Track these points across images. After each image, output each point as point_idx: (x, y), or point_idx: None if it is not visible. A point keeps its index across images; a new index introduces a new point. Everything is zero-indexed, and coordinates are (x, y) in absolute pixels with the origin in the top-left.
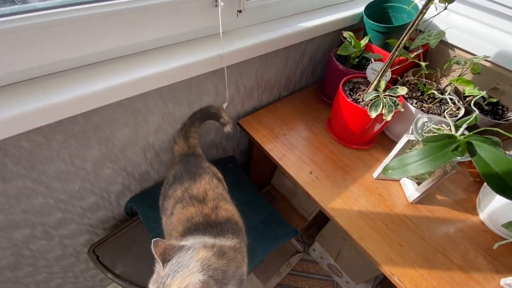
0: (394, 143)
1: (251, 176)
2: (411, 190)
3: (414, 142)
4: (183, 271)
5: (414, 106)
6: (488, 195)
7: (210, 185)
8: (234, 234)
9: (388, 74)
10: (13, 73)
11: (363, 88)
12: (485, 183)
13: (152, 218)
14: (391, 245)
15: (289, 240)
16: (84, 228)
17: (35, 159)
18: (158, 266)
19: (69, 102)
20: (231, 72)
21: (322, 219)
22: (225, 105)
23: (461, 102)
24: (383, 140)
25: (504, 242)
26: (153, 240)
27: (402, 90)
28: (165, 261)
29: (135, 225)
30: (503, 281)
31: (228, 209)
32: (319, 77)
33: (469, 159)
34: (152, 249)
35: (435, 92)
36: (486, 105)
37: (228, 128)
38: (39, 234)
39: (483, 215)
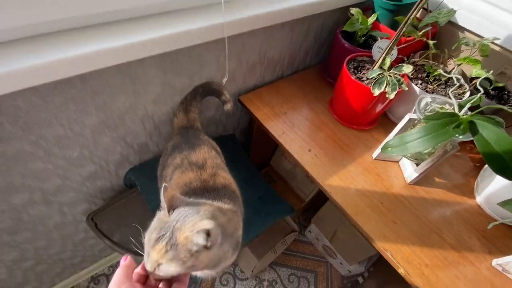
0: (395, 125)
1: (251, 156)
2: (409, 171)
3: (416, 121)
4: (193, 217)
5: (419, 87)
6: (486, 178)
7: (209, 155)
8: (231, 200)
9: (394, 53)
10: (8, 30)
11: (367, 67)
12: (484, 166)
13: (150, 189)
14: (385, 223)
15: (285, 217)
16: (83, 197)
17: (33, 121)
18: (162, 213)
19: (66, 62)
20: (233, 44)
21: (319, 202)
22: (224, 80)
23: (467, 85)
24: (385, 122)
25: (497, 222)
26: (163, 185)
27: (407, 68)
28: (170, 208)
29: (133, 196)
30: (495, 261)
31: (226, 178)
32: (324, 57)
33: (471, 138)
34: (161, 194)
35: (442, 71)
36: (492, 89)
37: (228, 106)
38: (38, 199)
39: (480, 198)
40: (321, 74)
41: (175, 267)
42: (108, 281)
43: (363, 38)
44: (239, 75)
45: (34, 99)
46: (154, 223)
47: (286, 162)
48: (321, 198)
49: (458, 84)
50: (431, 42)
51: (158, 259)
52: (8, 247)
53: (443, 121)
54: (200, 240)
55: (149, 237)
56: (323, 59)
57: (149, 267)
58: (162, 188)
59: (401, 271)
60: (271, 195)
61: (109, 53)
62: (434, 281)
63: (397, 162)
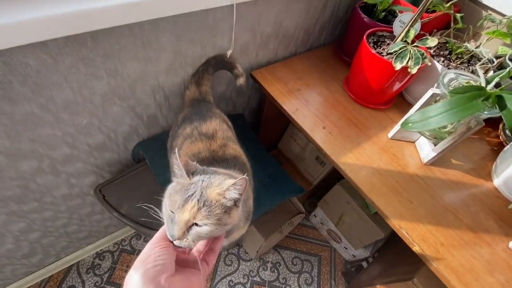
0: (411, 106)
1: (259, 137)
2: (426, 151)
3: (438, 97)
4: (217, 177)
5: (441, 64)
6: (506, 159)
7: (220, 127)
8: (241, 171)
9: (418, 26)
10: None
11: (387, 42)
12: (505, 148)
13: (159, 163)
14: (401, 201)
15: (294, 196)
16: (91, 168)
17: (42, 82)
18: (180, 177)
19: (76, 15)
20: (248, 14)
21: (325, 188)
22: (229, 52)
23: (495, 60)
24: (401, 102)
25: None
26: (176, 151)
27: (432, 41)
28: (188, 173)
29: (141, 170)
30: None
31: (236, 149)
32: (338, 37)
33: (497, 114)
34: (177, 160)
35: (468, 45)
36: None
37: (241, 81)
38: (46, 168)
39: (497, 181)
40: (336, 52)
41: (209, 226)
42: (113, 258)
43: (383, 14)
44: (252, 49)
45: (44, 57)
46: (175, 187)
47: (295, 144)
48: (328, 182)
49: (485, 57)
50: (458, 16)
51: (190, 218)
52: (16, 217)
53: (470, 95)
54: (234, 194)
55: (172, 200)
56: (338, 38)
57: (176, 233)
58: (176, 154)
59: (416, 248)
60: (280, 174)
61: (121, 9)
62: (450, 259)
63: (413, 142)
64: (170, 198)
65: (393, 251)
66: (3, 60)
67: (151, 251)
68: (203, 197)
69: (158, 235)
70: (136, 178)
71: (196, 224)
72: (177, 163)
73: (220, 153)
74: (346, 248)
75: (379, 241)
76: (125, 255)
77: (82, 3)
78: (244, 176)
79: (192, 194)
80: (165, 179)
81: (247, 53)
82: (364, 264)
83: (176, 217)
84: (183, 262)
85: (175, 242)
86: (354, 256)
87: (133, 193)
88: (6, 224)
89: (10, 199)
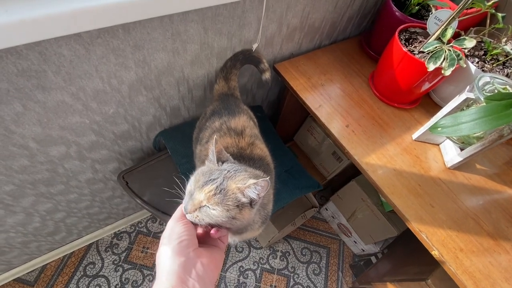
0: (438, 107)
1: (276, 130)
2: (452, 155)
3: (471, 102)
4: (242, 173)
5: (475, 65)
6: None
7: (248, 124)
8: (266, 173)
9: (455, 24)
10: None
11: (420, 39)
12: None
13: (180, 153)
14: (422, 205)
15: (311, 192)
16: (114, 155)
17: (75, 72)
18: (211, 162)
19: (111, 9)
20: (277, 4)
21: (338, 182)
22: (255, 45)
23: None
24: (427, 102)
25: None
26: (214, 138)
27: (470, 42)
28: (219, 160)
29: (162, 159)
30: None
31: (263, 150)
32: (365, 29)
33: None
34: (213, 144)
35: (506, 47)
36: None
37: (266, 75)
38: (73, 153)
39: None
40: (362, 46)
41: (218, 212)
42: (130, 238)
43: (416, 8)
44: (277, 41)
45: (77, 47)
46: (203, 169)
47: (312, 138)
48: (342, 177)
49: None
50: (500, 15)
51: (203, 200)
52: (44, 198)
53: (507, 102)
54: (252, 193)
55: (196, 178)
56: (364, 31)
57: (189, 207)
58: (213, 140)
59: (435, 253)
60: (297, 169)
61: (154, 2)
62: (468, 265)
63: (438, 145)
64: (196, 176)
65: (405, 249)
66: (39, 50)
67: (174, 228)
68: (222, 185)
69: (177, 213)
70: (157, 167)
71: (208, 207)
72: (212, 148)
73: (248, 152)
74: (355, 242)
75: (390, 237)
76: (141, 236)
77: None
78: (267, 178)
79: (214, 179)
80: (186, 169)
81: (272, 45)
82: (373, 259)
83: (194, 194)
84: (201, 240)
85: (186, 216)
86: (363, 250)
87: (155, 180)
88: (34, 204)
89: (39, 182)
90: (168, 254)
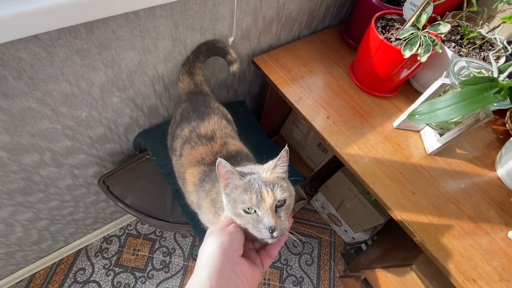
0: (418, 93)
1: (261, 124)
2: (431, 141)
3: (447, 87)
4: (256, 167)
5: (451, 50)
6: (511, 150)
7: (219, 125)
8: (248, 162)
9: (430, 9)
10: None
11: (397, 26)
12: (510, 139)
13: (161, 153)
14: (403, 192)
15: (297, 185)
16: (93, 159)
17: (38, 76)
18: (235, 181)
19: (66, 8)
20: None
21: (326, 173)
22: (231, 39)
23: (510, 48)
24: (407, 89)
25: None
26: (218, 162)
27: (445, 27)
28: (240, 175)
29: (143, 160)
30: (511, 233)
31: (236, 144)
32: (344, 18)
33: (508, 106)
34: (229, 166)
35: (482, 31)
36: None
37: (234, 67)
38: (48, 160)
39: (501, 171)
40: (342, 35)
41: (288, 197)
42: (120, 242)
43: None
44: (254, 33)
45: (37, 50)
46: (234, 192)
47: (297, 131)
48: (329, 168)
49: (500, 46)
50: None
51: (273, 200)
52: (22, 207)
53: (481, 86)
54: (283, 166)
55: (243, 200)
56: (344, 20)
57: (272, 219)
58: (221, 168)
59: (416, 239)
60: None
61: (112, 0)
62: (449, 249)
63: (418, 131)
64: (237, 199)
65: (392, 236)
66: None
67: (228, 223)
68: (266, 182)
69: (227, 216)
70: (139, 168)
71: (277, 205)
72: (229, 170)
73: (224, 152)
74: (346, 231)
75: (378, 224)
76: (131, 239)
77: None
78: (286, 147)
79: (258, 185)
80: (168, 170)
81: (249, 38)
82: (363, 246)
83: (261, 209)
84: (245, 254)
85: (275, 234)
86: (354, 238)
87: (136, 183)
88: (13, 214)
89: (15, 192)
90: (212, 248)
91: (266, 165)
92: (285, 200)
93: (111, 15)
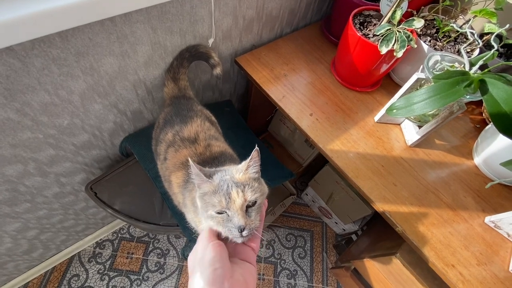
0: (399, 86)
1: (248, 122)
2: (411, 134)
3: (423, 81)
4: (230, 167)
5: (427, 44)
6: (487, 139)
7: (202, 128)
8: (232, 163)
9: (404, 5)
10: None
11: (374, 22)
12: (486, 127)
13: (148, 157)
14: (385, 185)
15: (285, 182)
16: (80, 166)
17: (14, 87)
18: (203, 183)
19: (38, 17)
20: None
21: (315, 167)
22: (211, 41)
23: (480, 40)
24: (388, 83)
25: (495, 182)
26: (192, 164)
27: (418, 22)
28: (208, 177)
29: (130, 165)
30: (488, 218)
31: (220, 145)
32: (326, 14)
33: (479, 98)
34: (195, 168)
35: (454, 25)
36: (501, 46)
37: (217, 70)
38: (32, 170)
39: (478, 159)
40: (323, 32)
41: (258, 198)
42: (113, 246)
43: None
44: (235, 34)
45: (12, 61)
46: (204, 194)
47: (285, 128)
48: (318, 163)
49: (471, 39)
50: None
51: (243, 200)
52: (10, 218)
53: (453, 80)
54: (255, 166)
55: (213, 202)
56: (325, 15)
57: (242, 219)
58: (191, 165)
59: (398, 229)
60: (270, 160)
61: (88, 6)
62: (429, 237)
63: (399, 125)
64: (207, 203)
65: (379, 226)
66: None
67: (206, 251)
68: (237, 183)
69: (205, 233)
70: (126, 173)
71: (248, 205)
72: (195, 172)
73: (208, 154)
74: (336, 223)
75: (367, 215)
76: (124, 242)
77: (42, 2)
78: (256, 148)
79: (228, 186)
80: (155, 173)
81: (230, 38)
82: (354, 237)
83: (231, 210)
84: (232, 251)
85: (244, 233)
86: (344, 230)
87: (124, 188)
88: (1, 225)
89: (0, 203)
90: (200, 285)
91: (240, 166)
92: (256, 201)
93: (86, 23)
